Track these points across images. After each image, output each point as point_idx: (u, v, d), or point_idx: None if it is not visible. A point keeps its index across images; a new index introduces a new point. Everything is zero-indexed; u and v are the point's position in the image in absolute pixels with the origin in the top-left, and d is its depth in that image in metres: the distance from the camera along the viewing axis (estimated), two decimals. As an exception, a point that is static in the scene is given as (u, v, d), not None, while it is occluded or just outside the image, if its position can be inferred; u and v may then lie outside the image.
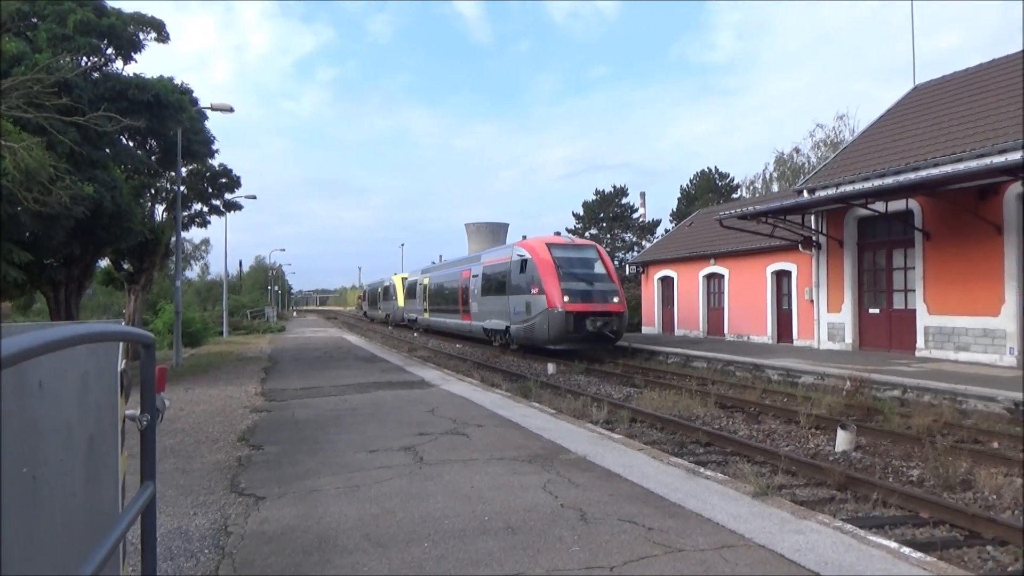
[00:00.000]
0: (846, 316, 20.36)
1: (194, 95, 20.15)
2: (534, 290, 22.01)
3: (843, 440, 9.31)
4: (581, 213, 60.57)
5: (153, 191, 23.04)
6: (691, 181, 60.70)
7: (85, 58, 16.50)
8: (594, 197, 60.63)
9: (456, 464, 6.96)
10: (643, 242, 54.57)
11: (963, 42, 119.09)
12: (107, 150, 16.67)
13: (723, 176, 59.81)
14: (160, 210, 23.78)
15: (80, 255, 18.30)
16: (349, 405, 11.19)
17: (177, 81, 18.93)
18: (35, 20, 16.02)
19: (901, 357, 17.55)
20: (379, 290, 61.88)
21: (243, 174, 25.80)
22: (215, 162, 23.95)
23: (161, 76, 18.03)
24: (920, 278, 17.97)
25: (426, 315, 39.55)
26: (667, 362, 20.93)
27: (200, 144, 20.56)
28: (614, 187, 60.54)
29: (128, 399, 2.89)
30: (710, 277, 28.22)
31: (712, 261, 27.73)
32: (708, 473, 6.63)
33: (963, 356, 16.59)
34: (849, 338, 20.19)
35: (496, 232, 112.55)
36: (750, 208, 21.93)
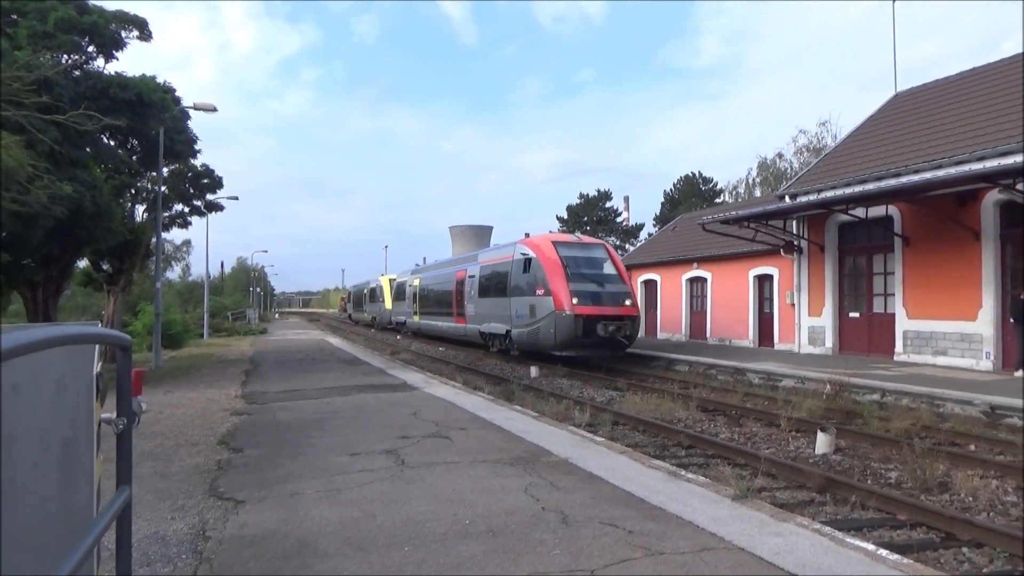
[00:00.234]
0: (827, 320, 20.54)
1: (177, 94, 20.02)
2: (539, 291, 20.41)
3: (823, 443, 9.39)
4: (565, 216, 60.70)
5: (134, 191, 22.81)
6: (675, 185, 61.07)
7: (66, 56, 16.33)
8: (578, 201, 60.84)
9: (438, 467, 6.94)
10: (627, 246, 54.84)
11: (943, 50, 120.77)
12: (87, 149, 16.49)
13: (707, 181, 60.22)
14: (141, 210, 23.55)
15: (59, 255, 18.09)
16: (331, 408, 11.13)
17: (160, 80, 18.79)
18: (15, 17, 15.82)
19: (880, 361, 17.73)
20: (365, 292, 60.19)
21: (226, 174, 25.64)
22: (197, 162, 23.80)
23: (143, 75, 17.87)
24: (899, 283, 18.18)
25: (416, 318, 37.74)
26: (650, 365, 20.99)
27: (182, 144, 20.40)
28: (598, 191, 60.78)
29: (104, 402, 2.86)
30: (693, 281, 28.37)
31: (695, 265, 27.89)
32: (689, 476, 6.67)
33: (941, 360, 16.79)
34: (830, 342, 20.37)
35: (480, 235, 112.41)
36: (733, 213, 22.09)
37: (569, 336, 19.20)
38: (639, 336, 29.96)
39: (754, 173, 55.06)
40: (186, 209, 25.47)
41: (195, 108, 20.58)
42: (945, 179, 14.96)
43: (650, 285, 31.37)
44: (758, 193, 51.84)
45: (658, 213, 60.18)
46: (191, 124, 21.37)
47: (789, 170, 49.58)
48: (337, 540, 4.83)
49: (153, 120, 17.48)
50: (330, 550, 4.64)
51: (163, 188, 21.08)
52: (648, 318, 31.40)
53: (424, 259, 52.92)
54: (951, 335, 16.75)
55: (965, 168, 15.58)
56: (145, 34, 18.16)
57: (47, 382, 2.39)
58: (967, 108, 18.68)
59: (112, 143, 18.85)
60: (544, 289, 20.14)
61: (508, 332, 22.59)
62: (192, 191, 24.96)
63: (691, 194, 58.67)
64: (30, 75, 12.59)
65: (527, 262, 21.57)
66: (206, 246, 49.43)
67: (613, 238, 58.05)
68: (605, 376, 17.39)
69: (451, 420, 9.80)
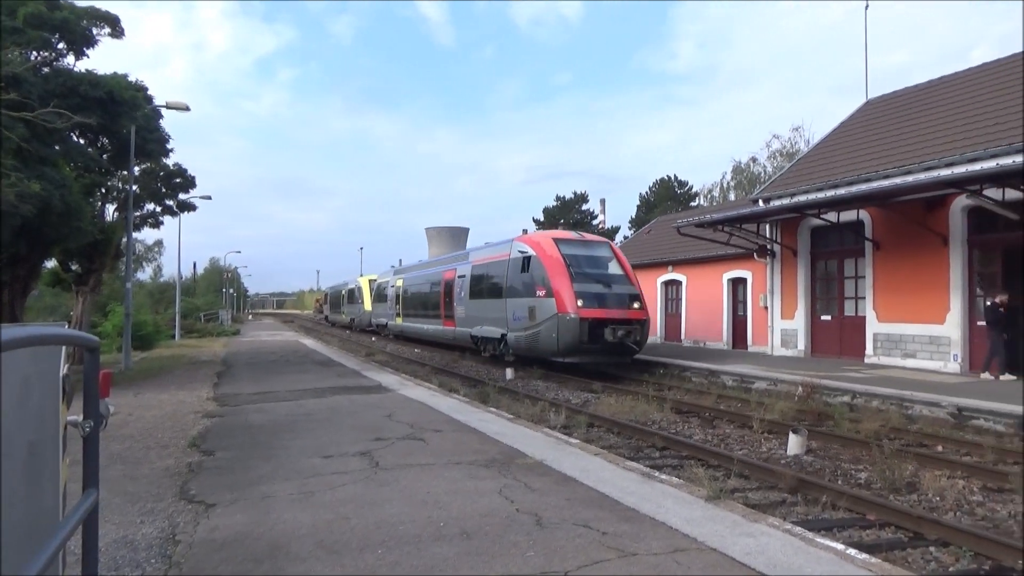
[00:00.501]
0: (799, 323, 20.79)
1: (149, 93, 19.77)
2: (540, 292, 18.85)
3: (795, 444, 9.50)
4: (542, 219, 60.83)
5: (104, 190, 22.46)
6: (650, 189, 61.50)
7: (35, 52, 16.03)
8: (555, 203, 61.02)
9: (412, 469, 6.91)
10: (603, 248, 54.92)
11: (913, 59, 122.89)
12: (57, 147, 16.19)
13: (682, 184, 60.71)
14: (111, 210, 23.19)
15: (26, 254, 17.74)
16: (304, 410, 11.04)
17: (132, 78, 18.53)
18: (-18, 12, 15.51)
19: (851, 363, 17.98)
20: (343, 293, 58.60)
21: (199, 174, 25.38)
22: (170, 161, 23.55)
23: (115, 72, 17.63)
24: (870, 286, 18.45)
25: (399, 320, 35.92)
26: (625, 367, 21.07)
27: (154, 143, 20.16)
28: (575, 193, 61.01)
29: (71, 405, 2.81)
30: (668, 284, 28.57)
31: (670, 268, 28.09)
32: (663, 477, 6.71)
33: (910, 363, 17.06)
34: (802, 344, 20.62)
35: (456, 236, 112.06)
36: (707, 216, 22.28)
37: (573, 341, 17.75)
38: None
39: (729, 177, 55.65)
40: (158, 209, 25.17)
41: (167, 107, 20.31)
42: (915, 185, 15.23)
43: (626, 287, 31.49)
44: (733, 197, 52.38)
45: (633, 216, 60.58)
46: (163, 123, 21.15)
47: (763, 174, 50.16)
48: (309, 543, 4.79)
49: (124, 118, 17.24)
50: (302, 553, 4.60)
51: (134, 187, 20.77)
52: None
53: (400, 260, 52.26)
54: (920, 338, 17.04)
55: (934, 174, 15.86)
56: (117, 31, 17.90)
57: (12, 384, 2.34)
58: (936, 115, 19.03)
59: (82, 141, 18.57)
60: (545, 290, 18.68)
61: (503, 336, 21.08)
62: (164, 190, 24.66)
63: (666, 197, 59.11)
64: (-3, 71, 12.35)
65: (526, 261, 20.04)
66: (178, 246, 49.01)
67: (589, 241, 58.25)
68: (581, 378, 17.43)
69: (426, 422, 9.77)
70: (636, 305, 18.70)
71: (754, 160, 53.71)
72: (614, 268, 19.78)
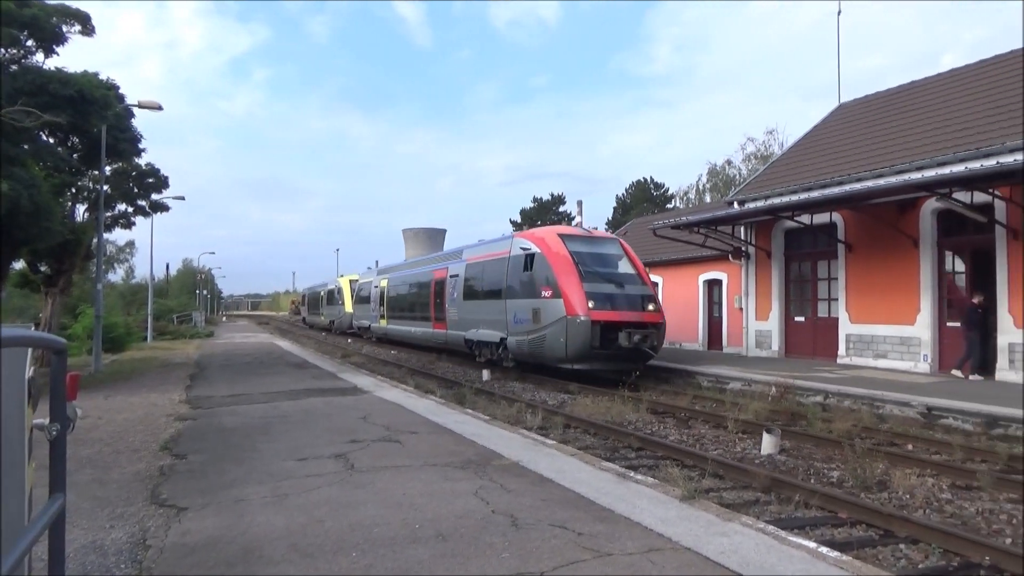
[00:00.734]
0: (773, 324, 21.01)
1: (120, 91, 19.49)
2: (545, 293, 17.31)
3: (768, 444, 9.59)
4: (519, 220, 60.92)
5: (75, 190, 22.12)
6: (627, 190, 61.85)
7: (4, 49, 15.75)
8: (532, 204, 61.13)
9: (388, 471, 6.88)
10: (580, 250, 55.11)
11: (885, 64, 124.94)
12: (25, 146, 15.93)
13: (658, 186, 61.13)
14: (82, 210, 22.84)
15: (-6, 255, 17.41)
16: (279, 412, 10.95)
17: (103, 76, 18.28)
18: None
19: (824, 364, 18.21)
20: (322, 294, 56.60)
21: (172, 174, 25.14)
22: (142, 161, 23.26)
23: (86, 71, 17.37)
24: (842, 288, 18.70)
25: (383, 322, 34.03)
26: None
27: (126, 142, 19.90)
28: (552, 195, 61.21)
29: (36, 408, 2.76)
30: (644, 285, 28.68)
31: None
32: (638, 477, 6.74)
33: (882, 363, 17.32)
34: (776, 345, 20.84)
35: (434, 238, 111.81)
36: (683, 218, 22.46)
37: (583, 346, 16.27)
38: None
39: (704, 179, 56.17)
40: (130, 209, 24.84)
41: (139, 106, 20.04)
42: (886, 188, 15.47)
43: (602, 289, 31.59)
44: (708, 199, 52.85)
45: (610, 218, 60.89)
46: (135, 122, 20.88)
47: (738, 177, 50.70)
48: (283, 546, 4.74)
49: (95, 117, 17.00)
50: (275, 556, 4.56)
51: (105, 187, 20.49)
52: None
53: (377, 262, 51.54)
54: (891, 338, 17.30)
55: (905, 177, 16.13)
56: (88, 29, 17.64)
57: (-26, 386, 2.29)
58: (907, 119, 19.35)
59: (52, 140, 18.30)
60: (552, 290, 17.12)
61: (503, 340, 19.50)
62: (136, 190, 24.35)
63: (643, 199, 59.47)
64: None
65: (529, 258, 18.46)
66: (151, 247, 48.30)
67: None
68: (557, 379, 17.44)
69: (402, 424, 9.73)
70: (651, 307, 17.30)
71: (729, 163, 54.32)
72: (625, 267, 18.36)
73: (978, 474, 7.87)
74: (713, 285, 24.71)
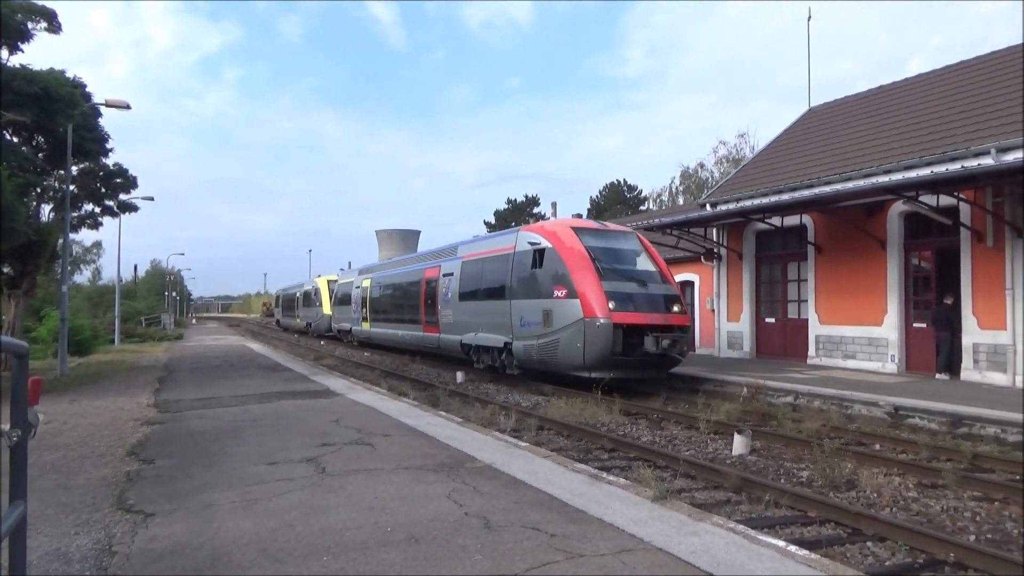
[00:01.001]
0: (744, 325, 21.23)
1: (87, 90, 19.22)
2: (559, 292, 15.52)
3: (739, 444, 9.68)
4: (493, 222, 60.92)
5: (40, 190, 21.66)
6: (601, 192, 62.14)
7: (-36, 46, 15.42)
8: (506, 206, 61.15)
9: (360, 475, 6.83)
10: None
11: (854, 69, 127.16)
12: (-12, 145, 15.61)
13: (631, 188, 61.50)
14: (47, 210, 22.39)
15: (-45, 257, 17.03)
16: (250, 416, 10.82)
17: (69, 74, 17.99)
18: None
19: (795, 364, 18.43)
20: (298, 295, 54.15)
21: (141, 174, 24.85)
22: (109, 161, 22.89)
23: (52, 68, 17.11)
24: (812, 290, 18.94)
25: (366, 325, 31.92)
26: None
27: (93, 141, 19.59)
28: (526, 196, 61.26)
29: (-3, 412, 2.69)
30: (618, 287, 28.78)
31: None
32: (611, 478, 6.76)
33: (850, 363, 17.57)
34: (747, 346, 21.05)
35: (408, 239, 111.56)
36: (656, 220, 22.63)
37: (604, 352, 14.52)
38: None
39: (677, 182, 56.65)
40: (97, 209, 24.42)
41: (107, 105, 19.71)
42: (854, 191, 15.72)
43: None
44: (681, 201, 53.31)
45: (584, 220, 61.05)
46: (103, 121, 20.59)
47: (710, 179, 51.20)
48: (252, 551, 4.68)
49: (61, 116, 16.71)
50: (245, 562, 4.50)
51: (71, 187, 20.12)
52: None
53: (349, 263, 50.97)
54: (859, 339, 17.56)
55: (872, 181, 16.40)
56: (54, 26, 17.32)
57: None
58: (875, 123, 19.68)
59: (16, 139, 17.93)
60: (567, 289, 15.33)
61: (507, 345, 17.69)
62: (104, 191, 23.95)
63: (616, 201, 59.78)
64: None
65: (538, 254, 16.56)
66: (118, 248, 47.13)
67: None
68: (531, 381, 17.44)
69: (374, 427, 9.67)
70: (677, 308, 15.60)
71: (702, 166, 54.86)
72: (645, 263, 16.63)
73: (943, 473, 8.02)
74: (685, 286, 24.86)
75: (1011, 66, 17.34)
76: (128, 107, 19.95)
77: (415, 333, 24.83)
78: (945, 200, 15.16)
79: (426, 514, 5.48)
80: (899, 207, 16.46)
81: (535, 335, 16.27)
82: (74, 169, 19.97)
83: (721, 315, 22.12)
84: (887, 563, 5.64)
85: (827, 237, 18.56)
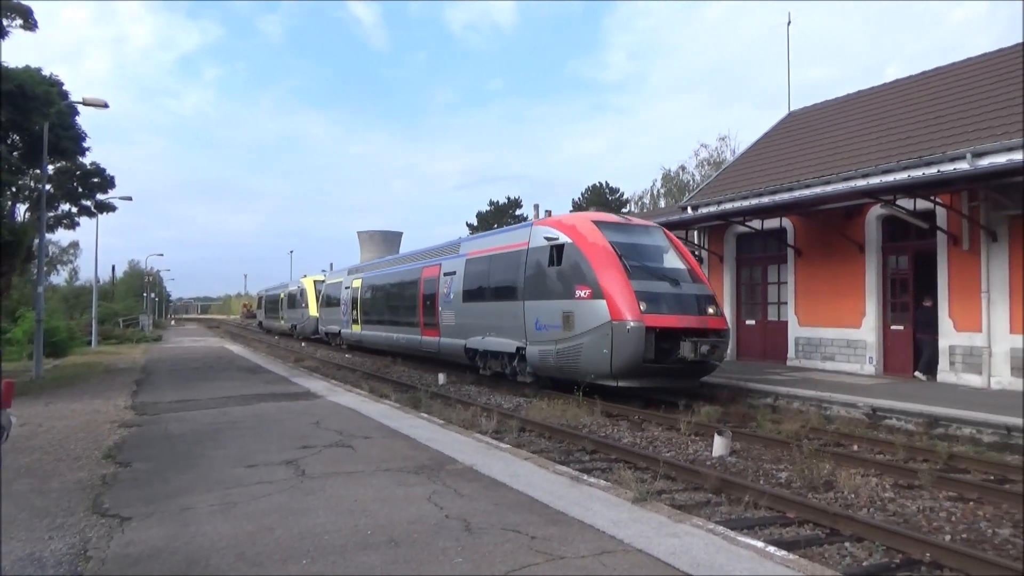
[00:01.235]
0: (725, 327, 21.33)
1: (64, 88, 18.95)
2: (581, 292, 14.08)
3: (719, 446, 9.73)
4: (475, 224, 60.87)
5: (15, 189, 21.36)
6: (583, 195, 62.24)
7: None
8: (488, 208, 61.11)
9: (340, 477, 6.79)
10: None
11: (833, 74, 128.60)
12: (-39, 143, 15.37)
13: (613, 191, 61.68)
14: (23, 210, 22.10)
15: (-73, 257, 16.75)
16: (229, 418, 10.73)
17: (46, 72, 17.75)
18: None
19: (775, 366, 18.57)
20: (282, 296, 52.26)
21: (119, 173, 24.59)
22: (87, 160, 22.62)
23: (28, 66, 16.84)
24: (792, 292, 19.10)
25: (356, 328, 30.27)
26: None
27: (69, 140, 19.36)
28: (508, 198, 61.29)
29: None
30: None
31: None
32: (592, 480, 6.77)
33: (829, 365, 17.74)
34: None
35: (390, 240, 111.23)
36: (637, 222, 22.66)
37: (634, 359, 13.10)
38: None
39: (659, 184, 56.96)
40: (74, 209, 24.17)
41: (84, 103, 19.47)
42: (833, 194, 15.89)
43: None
44: (663, 204, 53.59)
45: (567, 222, 61.13)
46: (80, 120, 20.35)
47: (692, 182, 51.51)
48: (230, 555, 4.64)
49: (37, 114, 16.47)
50: (222, 566, 4.46)
51: (47, 187, 19.87)
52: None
53: (331, 264, 50.22)
54: (838, 341, 17.73)
55: (851, 184, 16.58)
56: (30, 23, 17.07)
57: None
58: (853, 128, 19.90)
59: (-10, 137, 17.65)
60: (590, 289, 13.89)
61: (519, 350, 16.20)
62: (81, 190, 23.69)
63: (598, 203, 59.84)
64: None
65: (556, 250, 15.11)
66: (96, 249, 46.36)
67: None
68: (513, 383, 17.42)
69: (355, 429, 9.63)
70: (712, 310, 14.24)
71: (683, 168, 55.20)
72: (674, 260, 15.10)
73: (919, 473, 8.11)
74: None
75: (986, 72, 17.62)
76: (106, 106, 19.72)
77: (412, 337, 23.38)
78: (922, 204, 15.35)
79: (406, 516, 5.46)
80: (877, 211, 16.64)
81: (553, 339, 14.83)
82: (50, 168, 19.73)
83: (702, 317, 22.21)
84: (864, 563, 5.69)
85: (806, 240, 18.73)
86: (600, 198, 60.39)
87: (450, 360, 20.72)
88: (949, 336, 15.15)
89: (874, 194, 14.95)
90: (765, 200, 18.86)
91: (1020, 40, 18.08)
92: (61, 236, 59.17)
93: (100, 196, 24.53)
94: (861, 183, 16.19)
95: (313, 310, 41.21)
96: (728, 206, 20.39)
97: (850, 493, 7.61)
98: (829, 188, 17.08)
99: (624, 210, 57.65)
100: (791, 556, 4.67)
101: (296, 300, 45.79)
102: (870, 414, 11.98)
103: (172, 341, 41.00)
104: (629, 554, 4.61)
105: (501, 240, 18.30)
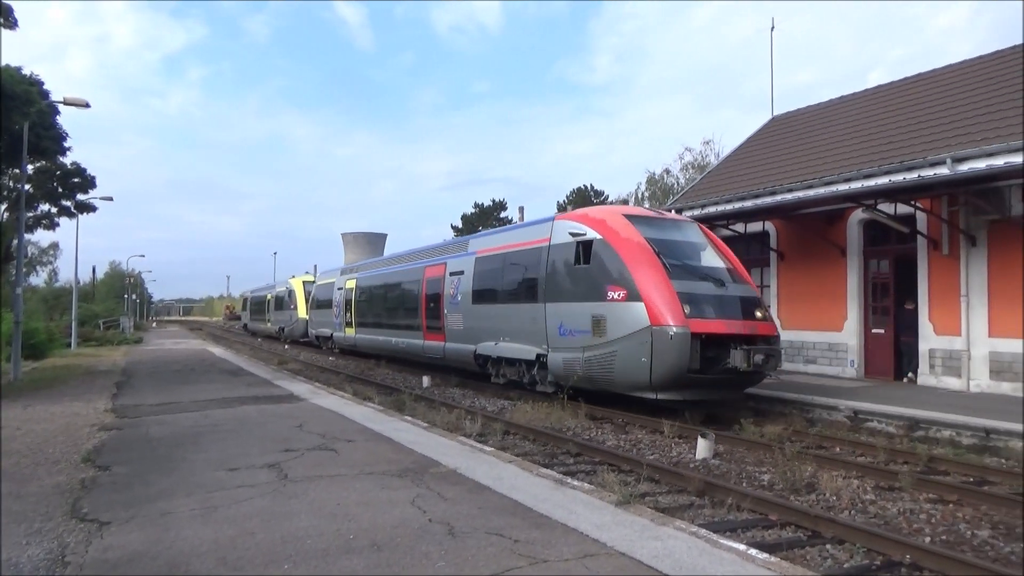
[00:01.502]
0: (709, 330, 21.42)
1: (45, 87, 18.78)
2: (615, 294, 12.57)
3: (703, 448, 9.77)
4: (460, 226, 60.83)
5: (-7, 189, 21.16)
6: (568, 197, 62.34)
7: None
8: (473, 210, 61.09)
9: (322, 481, 6.76)
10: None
11: (816, 78, 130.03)
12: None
13: (598, 194, 61.84)
14: (1, 210, 21.83)
15: (-98, 257, 16.50)
16: (210, 421, 10.64)
17: (26, 71, 17.58)
18: None
19: (757, 369, 18.64)
20: (268, 298, 50.29)
21: (100, 173, 24.48)
22: (67, 160, 22.41)
23: (7, 65, 16.68)
24: (775, 295, 19.22)
25: (350, 331, 28.46)
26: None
27: (50, 140, 19.17)
28: (493, 200, 61.28)
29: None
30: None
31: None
32: (575, 483, 6.78)
33: (811, 368, 17.86)
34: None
35: (374, 241, 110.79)
36: (622, 225, 22.67)
37: (678, 368, 11.66)
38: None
39: (643, 187, 57.01)
40: (53, 209, 23.92)
41: (65, 103, 19.25)
42: (815, 198, 16.02)
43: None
44: (647, 207, 53.72)
45: (551, 225, 61.22)
46: (61, 119, 20.13)
47: (676, 185, 51.66)
48: (211, 560, 4.60)
49: (16, 114, 16.32)
50: (202, 571, 4.42)
51: (27, 186, 19.63)
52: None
53: (315, 266, 49.50)
54: (820, 344, 17.87)
55: (833, 189, 16.71)
56: (9, 22, 16.90)
57: None
58: (836, 133, 20.08)
59: (-32, 137, 17.42)
60: (626, 290, 12.38)
61: (540, 357, 14.73)
62: (61, 190, 23.45)
63: (583, 206, 60.10)
64: None
65: (584, 247, 13.62)
66: (76, 249, 45.70)
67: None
68: (498, 386, 17.39)
69: (338, 432, 9.58)
70: (761, 314, 12.81)
71: (668, 172, 55.28)
72: (714, 259, 13.59)
73: (900, 475, 8.18)
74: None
75: (967, 78, 17.83)
76: (87, 105, 19.52)
77: (413, 341, 21.65)
78: (903, 208, 15.51)
79: (389, 520, 5.44)
80: (858, 215, 16.79)
81: (580, 346, 13.32)
82: (30, 168, 19.48)
83: (686, 320, 22.29)
84: (845, 565, 5.73)
85: (789, 244, 18.86)
86: (585, 201, 60.52)
87: (457, 367, 19.31)
88: (929, 339, 15.31)
89: (856, 198, 15.08)
90: (748, 204, 18.98)
91: (999, 47, 18.32)
92: (41, 237, 58.54)
93: (81, 196, 24.33)
94: (843, 187, 16.32)
95: (302, 312, 39.80)
96: (711, 209, 20.48)
97: (832, 495, 7.66)
98: (811, 192, 17.21)
99: (609, 213, 57.82)
100: (773, 558, 4.70)
101: (284, 302, 44.26)
102: (852, 417, 12.08)
103: (153, 343, 40.61)
104: (612, 557, 4.61)
105: (517, 236, 16.68)
